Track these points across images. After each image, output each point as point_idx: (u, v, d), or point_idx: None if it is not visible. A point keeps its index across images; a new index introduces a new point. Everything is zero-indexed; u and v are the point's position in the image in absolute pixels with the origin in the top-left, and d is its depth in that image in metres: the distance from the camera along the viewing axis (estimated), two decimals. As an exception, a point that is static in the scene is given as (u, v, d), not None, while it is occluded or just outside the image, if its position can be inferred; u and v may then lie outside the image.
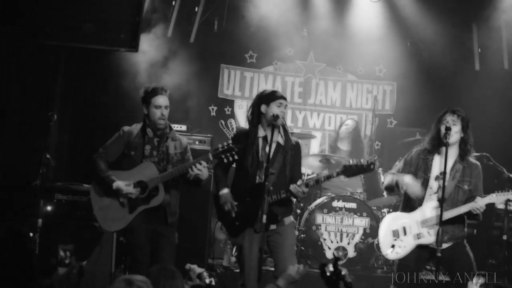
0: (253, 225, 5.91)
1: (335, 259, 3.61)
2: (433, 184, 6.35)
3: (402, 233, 6.40)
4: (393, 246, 6.42)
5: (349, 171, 5.88)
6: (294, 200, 6.17)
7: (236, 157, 6.01)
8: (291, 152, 6.10)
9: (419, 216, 6.32)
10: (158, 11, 9.93)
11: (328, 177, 5.98)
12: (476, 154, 6.63)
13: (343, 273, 3.56)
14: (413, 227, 6.34)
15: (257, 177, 6.01)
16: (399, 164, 6.64)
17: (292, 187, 5.83)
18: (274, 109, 6.00)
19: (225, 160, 6.03)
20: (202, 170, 6.13)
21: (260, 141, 6.07)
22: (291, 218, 6.22)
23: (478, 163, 6.46)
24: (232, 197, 6.07)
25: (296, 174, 6.12)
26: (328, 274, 3.56)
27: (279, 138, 6.10)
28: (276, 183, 5.94)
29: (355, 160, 5.90)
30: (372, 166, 5.83)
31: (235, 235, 6.12)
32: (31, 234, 6.45)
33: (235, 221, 6.07)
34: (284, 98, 6.12)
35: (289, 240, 6.08)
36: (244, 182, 6.08)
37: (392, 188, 6.47)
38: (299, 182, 5.82)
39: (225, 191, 6.11)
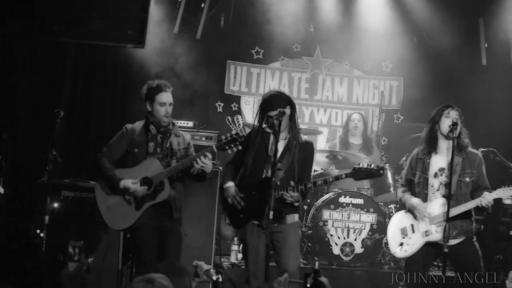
0: (256, 219, 5.93)
1: (315, 272, 3.67)
2: (434, 182, 6.36)
3: (410, 231, 6.40)
4: (401, 244, 6.42)
5: (358, 174, 5.85)
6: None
7: (240, 147, 6.00)
8: (301, 151, 6.01)
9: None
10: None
11: (337, 178, 5.94)
12: (483, 149, 6.63)
13: (323, 284, 3.66)
14: (421, 224, 6.34)
15: (264, 171, 5.99)
16: (404, 171, 6.69)
17: (285, 194, 5.81)
18: None
19: (229, 151, 6.03)
20: (207, 163, 6.12)
21: (271, 136, 6.02)
22: (295, 217, 6.13)
23: (477, 152, 6.46)
24: (238, 190, 6.06)
25: (304, 175, 6.01)
26: (308, 285, 3.67)
27: (291, 135, 6.07)
28: (284, 180, 5.90)
29: (366, 164, 5.86)
30: (382, 171, 5.79)
31: (238, 226, 6.12)
32: (38, 231, 6.46)
33: (239, 213, 6.07)
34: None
35: (290, 240, 6.00)
36: (250, 176, 6.06)
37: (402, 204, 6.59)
38: (291, 184, 5.81)
39: (229, 184, 6.10)
